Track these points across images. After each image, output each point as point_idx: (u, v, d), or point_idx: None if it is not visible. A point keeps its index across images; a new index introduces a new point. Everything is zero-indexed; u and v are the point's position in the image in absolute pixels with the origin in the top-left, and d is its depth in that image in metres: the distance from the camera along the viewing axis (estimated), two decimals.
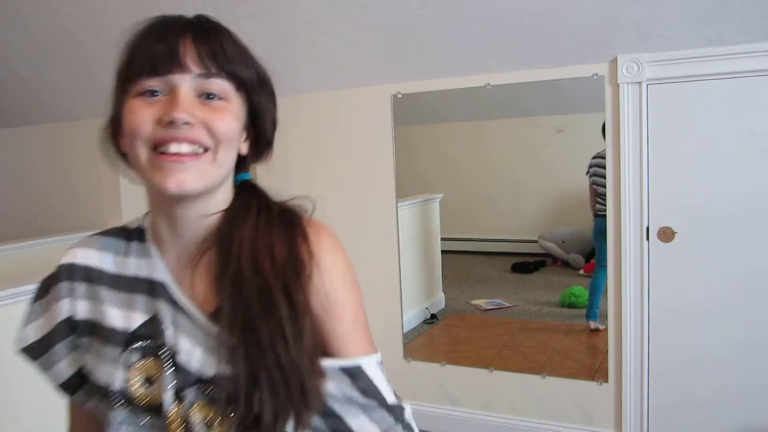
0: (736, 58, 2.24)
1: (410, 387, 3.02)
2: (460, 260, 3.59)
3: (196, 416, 0.75)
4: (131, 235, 0.84)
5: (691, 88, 2.35)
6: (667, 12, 2.20)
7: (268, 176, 3.68)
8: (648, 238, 2.46)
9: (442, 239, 3.29)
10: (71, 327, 0.82)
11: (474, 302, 3.40)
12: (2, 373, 1.99)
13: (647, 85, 2.39)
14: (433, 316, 3.31)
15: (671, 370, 2.51)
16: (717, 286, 2.40)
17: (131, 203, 3.68)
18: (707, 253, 2.40)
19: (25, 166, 4.22)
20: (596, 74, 2.48)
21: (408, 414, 0.81)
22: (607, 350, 2.61)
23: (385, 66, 2.80)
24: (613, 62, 2.44)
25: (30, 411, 2.09)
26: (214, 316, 0.75)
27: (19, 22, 3.18)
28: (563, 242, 3.51)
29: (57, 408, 2.05)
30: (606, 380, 2.60)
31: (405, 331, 3.06)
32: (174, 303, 0.78)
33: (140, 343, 0.78)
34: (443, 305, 3.38)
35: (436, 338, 3.26)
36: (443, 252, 3.34)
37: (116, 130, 0.79)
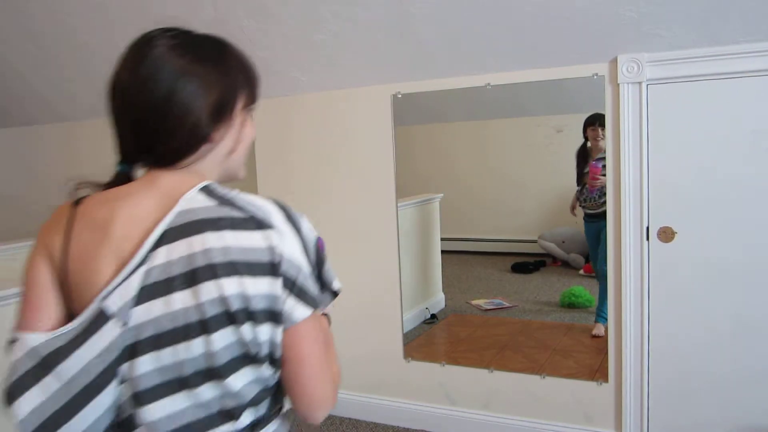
0: (736, 58, 2.24)
1: (410, 387, 3.02)
2: (460, 260, 3.59)
3: None
4: None
5: (691, 88, 2.35)
6: (667, 12, 2.20)
7: (269, 175, 3.70)
8: (648, 238, 2.46)
9: (442, 239, 3.28)
10: None
11: (474, 302, 3.40)
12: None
13: (647, 85, 2.39)
14: (433, 316, 3.31)
15: (671, 370, 2.51)
16: (717, 286, 2.40)
17: None
18: (707, 253, 2.40)
19: (27, 167, 4.22)
20: (596, 74, 2.47)
21: None
22: (607, 350, 2.61)
23: (385, 66, 2.80)
24: (613, 62, 2.43)
25: None
26: None
27: (21, 23, 3.18)
28: (563, 242, 3.51)
29: None
30: (606, 380, 2.60)
31: (405, 331, 3.05)
32: None
33: None
34: (443, 305, 3.38)
35: (436, 338, 3.26)
36: (443, 252, 3.34)
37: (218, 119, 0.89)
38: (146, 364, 0.82)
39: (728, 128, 2.33)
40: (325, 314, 0.96)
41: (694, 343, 2.46)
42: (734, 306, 2.38)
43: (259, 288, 0.81)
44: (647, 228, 2.46)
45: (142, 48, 0.88)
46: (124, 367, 0.83)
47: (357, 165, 2.99)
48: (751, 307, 2.36)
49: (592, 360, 2.80)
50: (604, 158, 2.66)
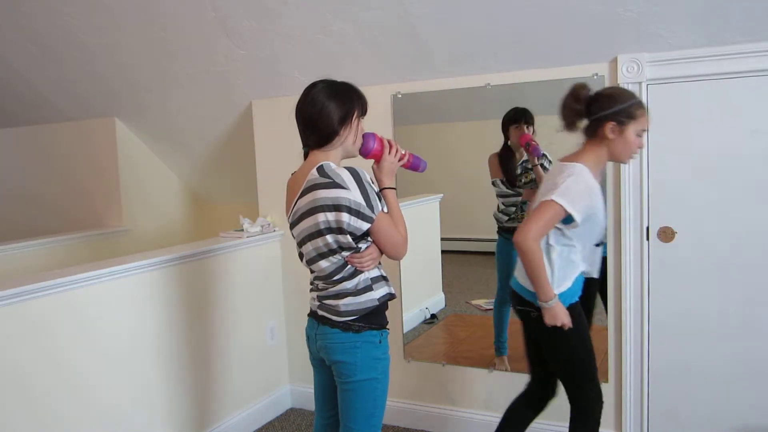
0: (736, 58, 2.24)
1: (410, 387, 3.03)
2: (460, 260, 3.58)
3: None
4: None
5: (691, 88, 2.35)
6: (667, 11, 2.20)
7: (269, 175, 3.67)
8: (648, 238, 2.46)
9: (442, 239, 3.28)
10: None
11: (474, 302, 3.39)
12: (13, 370, 1.99)
13: (647, 85, 2.39)
14: (433, 316, 3.30)
15: (671, 370, 2.51)
16: (717, 286, 2.40)
17: (131, 203, 3.68)
18: (707, 253, 2.40)
19: (25, 167, 4.22)
20: (596, 74, 2.47)
21: None
22: (607, 350, 2.61)
23: (385, 66, 2.80)
24: (613, 62, 2.44)
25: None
26: None
27: (20, 23, 3.18)
28: None
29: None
30: (606, 380, 2.60)
31: (405, 331, 3.06)
32: None
33: None
34: (443, 305, 3.37)
35: (436, 338, 3.26)
36: (443, 252, 3.33)
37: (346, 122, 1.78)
38: (306, 248, 1.78)
39: (728, 128, 2.33)
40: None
41: (694, 343, 2.46)
42: (734, 306, 2.38)
43: (332, 218, 1.67)
44: (647, 228, 2.46)
45: (308, 89, 1.77)
46: (302, 249, 1.81)
47: (357, 165, 2.99)
48: (751, 306, 2.36)
49: None
50: (546, 156, 2.65)
